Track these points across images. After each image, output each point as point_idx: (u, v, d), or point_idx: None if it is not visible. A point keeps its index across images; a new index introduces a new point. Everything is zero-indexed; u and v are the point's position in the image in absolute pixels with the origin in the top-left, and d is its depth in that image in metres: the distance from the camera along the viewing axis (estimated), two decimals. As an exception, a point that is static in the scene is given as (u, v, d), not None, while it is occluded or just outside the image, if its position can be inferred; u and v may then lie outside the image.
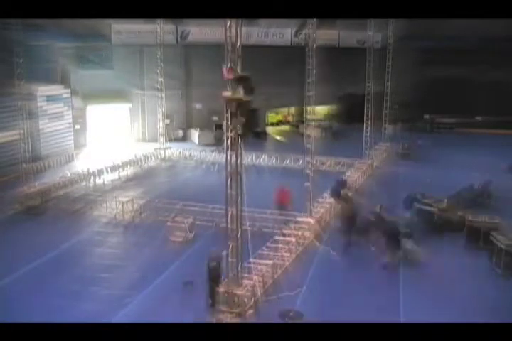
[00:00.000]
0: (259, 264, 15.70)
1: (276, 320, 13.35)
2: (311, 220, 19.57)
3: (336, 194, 21.15)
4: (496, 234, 17.31)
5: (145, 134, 36.92)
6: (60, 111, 31.56)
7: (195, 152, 32.73)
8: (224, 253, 13.96)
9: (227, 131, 13.16)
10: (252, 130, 36.93)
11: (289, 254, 17.12)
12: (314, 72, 19.26)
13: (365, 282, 16.00)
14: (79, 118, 33.53)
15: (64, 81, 32.39)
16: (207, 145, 34.86)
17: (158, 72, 32.90)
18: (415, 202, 21.05)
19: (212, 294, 14.05)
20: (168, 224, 19.51)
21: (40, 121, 29.37)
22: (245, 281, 14.43)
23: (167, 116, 35.01)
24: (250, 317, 13.73)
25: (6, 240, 18.65)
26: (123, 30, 34.60)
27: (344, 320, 10.55)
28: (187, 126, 38.33)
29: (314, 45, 19.44)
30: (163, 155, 32.67)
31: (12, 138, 25.22)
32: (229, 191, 13.47)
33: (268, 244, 17.34)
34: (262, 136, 38.50)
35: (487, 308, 14.18)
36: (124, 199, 22.08)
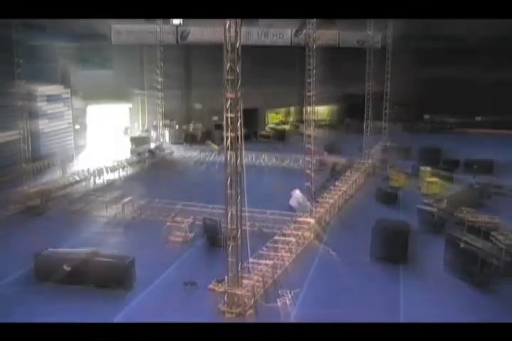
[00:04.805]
0: (259, 264, 15.70)
1: (276, 319, 13.37)
2: (311, 220, 19.58)
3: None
4: (495, 234, 17.30)
5: (142, 134, 36.89)
6: (60, 111, 31.55)
7: (194, 152, 32.88)
8: None
9: (227, 131, 13.18)
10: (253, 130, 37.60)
11: (289, 254, 17.12)
12: (314, 72, 19.27)
13: (365, 282, 16.01)
14: (79, 118, 33.54)
15: (64, 81, 32.39)
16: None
17: (158, 72, 32.93)
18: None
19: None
20: (168, 224, 19.51)
21: (40, 121, 29.35)
22: (245, 281, 14.44)
23: (167, 116, 35.06)
24: (250, 317, 13.75)
25: (6, 240, 18.64)
26: (123, 30, 34.62)
27: (344, 320, 10.56)
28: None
29: (314, 45, 19.44)
30: (162, 155, 32.73)
31: (12, 138, 25.20)
32: (229, 191, 13.47)
33: (268, 244, 17.36)
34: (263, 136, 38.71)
35: (487, 308, 14.21)
36: (124, 200, 22.08)
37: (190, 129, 37.64)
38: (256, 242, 16.58)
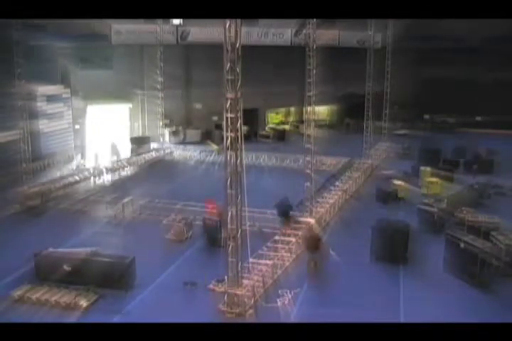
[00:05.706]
0: (259, 264, 15.70)
1: (276, 319, 13.37)
2: (311, 220, 19.58)
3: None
4: (495, 234, 17.29)
5: (144, 134, 36.91)
6: (60, 111, 31.52)
7: (194, 152, 32.90)
8: None
9: (227, 131, 13.18)
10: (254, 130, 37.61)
11: (289, 254, 17.13)
12: (314, 72, 19.26)
13: (365, 282, 16.02)
14: (79, 118, 33.51)
15: (64, 81, 32.36)
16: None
17: (158, 72, 32.91)
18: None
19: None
20: (164, 222, 19.54)
21: (40, 121, 29.34)
22: (245, 281, 14.44)
23: (167, 116, 35.06)
24: (250, 317, 13.74)
25: (6, 240, 18.64)
26: (123, 30, 34.57)
27: (344, 320, 10.56)
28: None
29: (314, 45, 19.44)
30: (162, 156, 32.74)
31: (12, 138, 25.21)
32: (229, 191, 13.47)
33: (268, 243, 17.35)
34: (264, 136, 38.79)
35: (487, 308, 14.21)
36: (124, 200, 22.07)
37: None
38: (256, 242, 16.59)
